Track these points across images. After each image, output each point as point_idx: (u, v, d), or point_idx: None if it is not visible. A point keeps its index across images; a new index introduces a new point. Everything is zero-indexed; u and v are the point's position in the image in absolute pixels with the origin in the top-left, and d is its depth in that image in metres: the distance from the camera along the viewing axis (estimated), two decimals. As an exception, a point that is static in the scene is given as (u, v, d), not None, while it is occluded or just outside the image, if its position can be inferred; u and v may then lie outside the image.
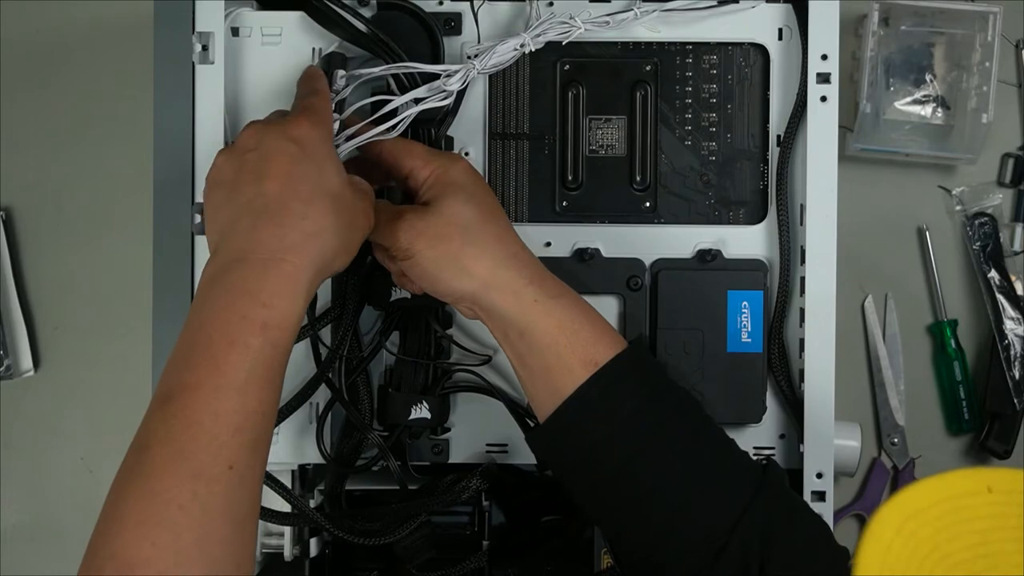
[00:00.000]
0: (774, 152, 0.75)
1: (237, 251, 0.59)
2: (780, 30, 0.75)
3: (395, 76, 0.71)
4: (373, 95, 0.71)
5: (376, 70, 0.70)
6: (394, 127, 0.68)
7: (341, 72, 0.69)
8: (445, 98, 0.70)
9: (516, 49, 0.71)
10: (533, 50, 0.71)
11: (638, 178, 0.76)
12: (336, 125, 0.68)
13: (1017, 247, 0.92)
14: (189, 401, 0.55)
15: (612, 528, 0.64)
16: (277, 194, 0.60)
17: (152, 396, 0.57)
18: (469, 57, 0.74)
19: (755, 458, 0.69)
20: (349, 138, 0.68)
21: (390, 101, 0.69)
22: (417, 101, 0.70)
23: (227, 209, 0.61)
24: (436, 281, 0.64)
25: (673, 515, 0.61)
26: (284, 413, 0.72)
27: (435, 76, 0.70)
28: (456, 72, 0.70)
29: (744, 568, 0.59)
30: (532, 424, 0.74)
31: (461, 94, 0.71)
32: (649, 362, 0.66)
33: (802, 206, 0.73)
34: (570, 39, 0.72)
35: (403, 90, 0.70)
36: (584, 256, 0.74)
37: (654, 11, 0.73)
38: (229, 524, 0.55)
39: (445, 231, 0.64)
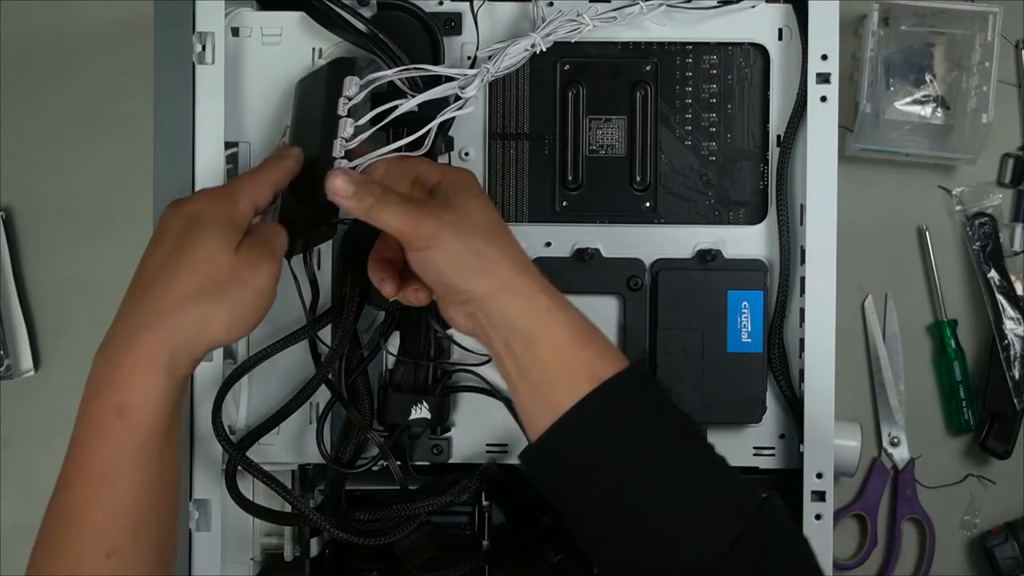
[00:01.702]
0: (774, 152, 0.75)
1: (110, 332, 0.61)
2: (780, 30, 0.75)
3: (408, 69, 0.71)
4: (373, 98, 0.71)
5: (389, 73, 0.69)
6: (420, 142, 0.68)
7: (356, 79, 0.68)
8: (462, 106, 0.69)
9: (527, 50, 0.71)
10: (544, 50, 0.71)
11: (638, 178, 0.76)
12: (350, 130, 0.67)
13: (1017, 247, 0.92)
14: (62, 494, 0.58)
15: (601, 552, 0.62)
16: (151, 270, 0.62)
17: None
18: (470, 58, 0.74)
19: (762, 490, 0.67)
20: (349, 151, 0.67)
21: (398, 106, 0.68)
22: (424, 107, 0.69)
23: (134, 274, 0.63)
24: (453, 275, 0.62)
25: (663, 540, 0.59)
26: (284, 413, 0.72)
27: (440, 77, 0.70)
28: (472, 79, 0.69)
29: None
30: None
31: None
32: (652, 383, 0.64)
33: (802, 206, 0.73)
34: (579, 36, 0.72)
35: (409, 91, 0.70)
36: (584, 256, 0.74)
37: (660, 5, 0.73)
38: None
39: (471, 227, 0.63)
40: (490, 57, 0.71)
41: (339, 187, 0.62)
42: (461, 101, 0.69)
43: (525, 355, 0.62)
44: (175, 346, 0.60)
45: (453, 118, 0.72)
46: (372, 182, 0.64)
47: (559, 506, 0.64)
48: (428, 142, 0.67)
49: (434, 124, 0.68)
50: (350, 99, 0.67)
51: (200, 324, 0.61)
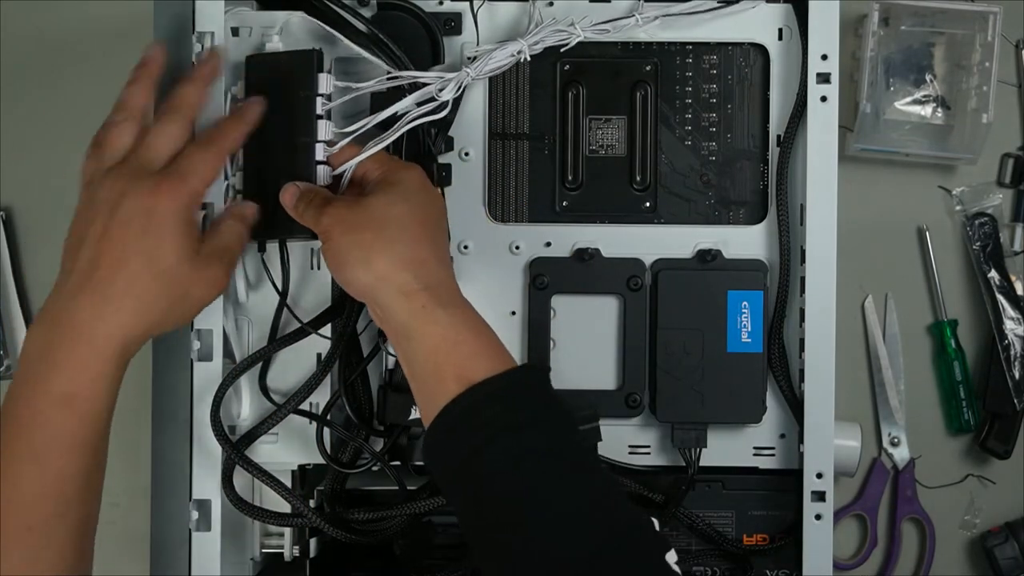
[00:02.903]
0: (774, 152, 0.75)
1: (56, 316, 0.62)
2: (780, 30, 0.75)
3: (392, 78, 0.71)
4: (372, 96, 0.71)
5: (372, 83, 0.70)
6: (387, 134, 0.69)
7: (330, 77, 0.70)
8: (440, 108, 0.70)
9: (513, 56, 0.71)
10: (529, 58, 0.71)
11: (638, 178, 0.76)
12: (330, 134, 0.69)
13: (1017, 247, 0.92)
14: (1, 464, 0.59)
15: (474, 552, 0.61)
16: (108, 266, 0.62)
17: None
18: (470, 58, 0.74)
19: (642, 516, 0.61)
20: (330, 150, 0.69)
21: (387, 112, 0.69)
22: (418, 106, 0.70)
23: (72, 251, 0.64)
24: (341, 268, 0.64)
25: (521, 552, 0.58)
26: (282, 413, 0.72)
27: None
28: (449, 82, 0.70)
29: None
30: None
31: (459, 98, 0.71)
32: (533, 389, 0.63)
33: (802, 206, 0.73)
34: (569, 47, 0.72)
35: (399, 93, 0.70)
36: (584, 256, 0.74)
37: (655, 17, 0.73)
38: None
39: (363, 222, 0.64)
40: (473, 59, 0.71)
41: (287, 196, 0.67)
42: (435, 103, 0.69)
43: (408, 349, 0.63)
44: (128, 341, 0.62)
45: (450, 119, 0.73)
46: (313, 189, 0.67)
47: (448, 502, 0.64)
48: (392, 137, 0.69)
49: (405, 129, 0.69)
50: (326, 97, 0.69)
51: (152, 323, 0.64)
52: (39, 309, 0.63)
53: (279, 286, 0.72)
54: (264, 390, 0.73)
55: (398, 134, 0.69)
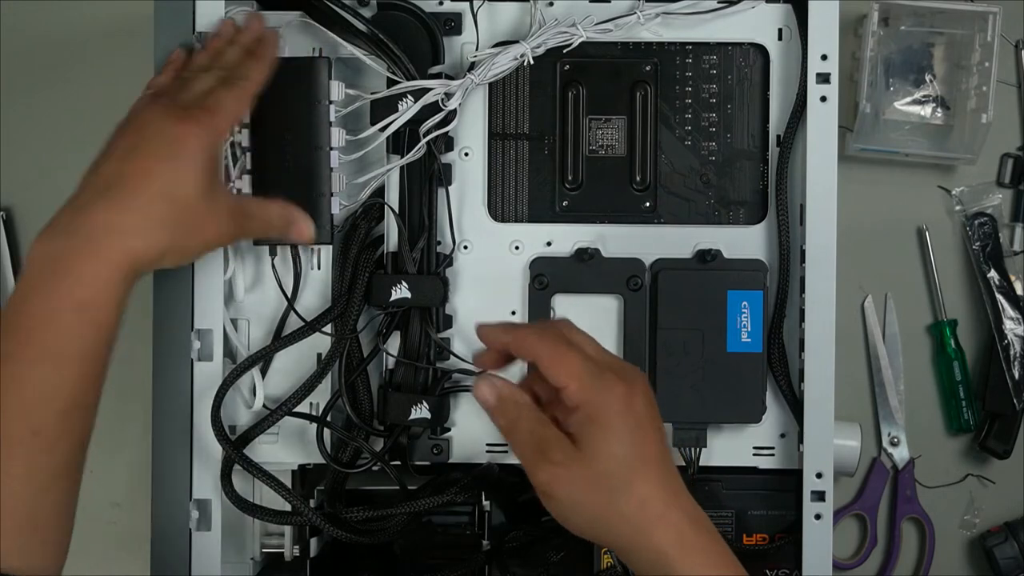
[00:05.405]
0: (774, 152, 0.75)
1: (67, 226, 0.61)
2: (780, 30, 0.75)
3: (392, 72, 0.71)
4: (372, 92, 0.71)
5: (380, 94, 0.71)
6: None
7: (341, 84, 0.71)
8: (450, 118, 0.71)
9: (516, 59, 0.71)
10: (532, 61, 0.71)
11: (638, 178, 0.76)
12: (343, 141, 0.70)
13: (1017, 247, 0.92)
14: (3, 368, 0.58)
15: None
16: (128, 183, 0.62)
17: None
18: (472, 61, 0.74)
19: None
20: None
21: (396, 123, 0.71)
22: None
23: (94, 167, 0.64)
24: (568, 523, 0.60)
25: None
26: (281, 412, 0.72)
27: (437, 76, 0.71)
28: (456, 90, 0.70)
29: None
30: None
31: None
32: None
33: (802, 206, 0.73)
34: (572, 48, 0.72)
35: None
36: (584, 256, 0.74)
37: (656, 15, 0.73)
38: (29, 488, 0.58)
39: (590, 486, 0.57)
40: (476, 64, 0.71)
41: (483, 397, 0.60)
42: (443, 113, 0.70)
43: None
44: (135, 260, 0.62)
45: (450, 118, 0.73)
46: (513, 399, 0.60)
47: None
48: (417, 154, 0.71)
49: (421, 144, 0.71)
50: (333, 104, 0.70)
51: (162, 250, 0.63)
52: (48, 222, 0.62)
53: (287, 291, 0.73)
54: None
55: (419, 153, 0.71)
